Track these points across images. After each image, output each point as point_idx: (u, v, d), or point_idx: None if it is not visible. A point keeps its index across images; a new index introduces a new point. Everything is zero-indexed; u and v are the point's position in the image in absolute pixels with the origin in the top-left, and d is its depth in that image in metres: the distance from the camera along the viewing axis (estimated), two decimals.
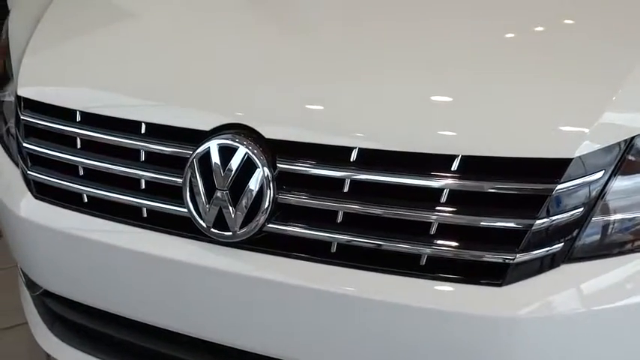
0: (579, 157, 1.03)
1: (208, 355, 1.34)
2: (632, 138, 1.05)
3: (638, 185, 1.06)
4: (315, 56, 1.23)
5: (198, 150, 1.18)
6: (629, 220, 1.07)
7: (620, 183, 1.05)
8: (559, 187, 1.03)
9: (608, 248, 1.07)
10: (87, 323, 1.49)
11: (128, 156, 1.29)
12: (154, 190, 1.27)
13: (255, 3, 1.42)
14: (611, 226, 1.07)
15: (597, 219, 1.06)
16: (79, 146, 1.34)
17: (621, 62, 1.11)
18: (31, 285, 1.57)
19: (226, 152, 1.17)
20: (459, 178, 1.07)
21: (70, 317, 1.52)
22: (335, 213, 1.14)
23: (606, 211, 1.06)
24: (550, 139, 1.05)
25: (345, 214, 1.13)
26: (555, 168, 1.04)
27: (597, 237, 1.06)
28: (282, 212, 1.17)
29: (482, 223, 1.06)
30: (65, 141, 1.36)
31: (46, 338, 1.59)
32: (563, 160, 1.04)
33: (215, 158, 1.17)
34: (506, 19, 1.22)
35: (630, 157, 1.05)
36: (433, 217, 1.08)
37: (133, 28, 1.42)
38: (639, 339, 1.07)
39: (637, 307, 1.06)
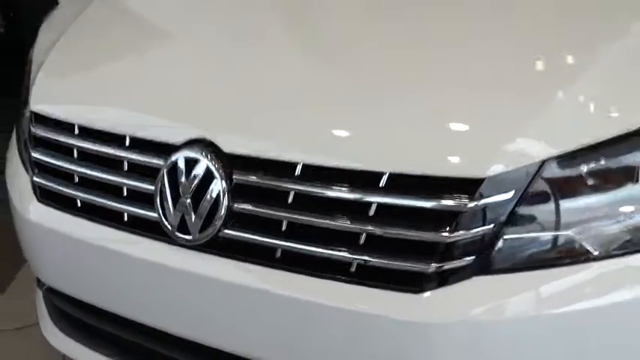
0: (491, 177, 1.13)
1: (187, 351, 1.48)
2: (543, 161, 1.14)
3: (547, 206, 1.15)
4: (268, 83, 1.37)
5: (169, 161, 1.34)
6: (539, 237, 1.15)
7: (529, 203, 1.14)
8: (471, 204, 1.13)
9: (517, 263, 1.15)
10: (83, 317, 1.65)
11: (114, 165, 1.45)
12: (134, 196, 1.42)
13: (225, 29, 1.58)
14: (521, 243, 1.15)
15: (508, 236, 1.15)
16: (75, 156, 1.51)
17: (538, 88, 1.21)
18: (39, 282, 1.75)
19: (191, 164, 1.31)
20: (385, 194, 1.18)
21: (69, 312, 1.68)
22: (280, 222, 1.26)
23: (516, 228, 1.15)
24: (464, 160, 1.15)
25: (288, 223, 1.26)
26: (468, 186, 1.14)
27: (507, 252, 1.15)
28: (237, 220, 1.30)
29: (403, 235, 1.17)
30: (65, 151, 1.53)
31: (52, 332, 1.76)
32: (475, 180, 1.13)
33: (181, 169, 1.32)
34: (428, 44, 1.34)
35: (540, 179, 1.14)
36: (362, 229, 1.19)
37: (126, 54, 1.60)
38: (542, 350, 1.14)
39: (543, 320, 1.14)
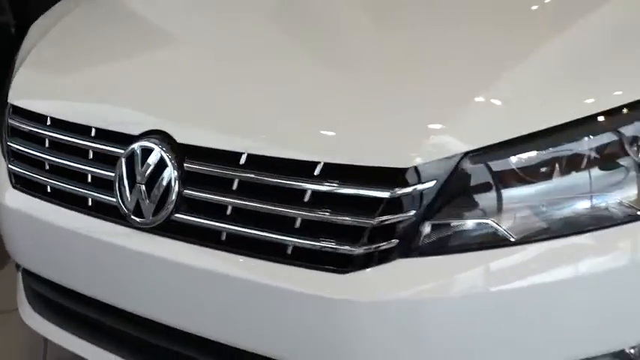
0: (414, 167, 1.22)
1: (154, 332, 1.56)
2: (464, 154, 1.22)
3: (467, 195, 1.23)
4: (218, 80, 1.48)
5: (127, 150, 1.44)
6: (460, 224, 1.23)
7: (451, 192, 1.23)
8: (394, 192, 1.22)
9: (438, 248, 1.23)
10: (58, 299, 1.75)
11: (81, 154, 1.55)
12: (97, 183, 1.52)
13: (184, 31, 1.69)
14: (442, 229, 1.23)
15: (430, 222, 1.23)
16: (46, 145, 1.61)
17: (461, 84, 1.29)
18: (17, 265, 1.85)
19: (146, 153, 1.41)
20: (319, 182, 1.27)
21: (45, 294, 1.78)
22: (226, 207, 1.36)
23: (438, 215, 1.23)
24: (390, 152, 1.24)
25: (233, 208, 1.35)
26: (393, 176, 1.22)
27: (429, 237, 1.23)
28: (188, 205, 1.39)
29: (332, 220, 1.25)
30: (37, 141, 1.64)
31: (30, 316, 1.85)
32: (399, 170, 1.22)
33: (137, 158, 1.42)
34: (361, 40, 1.43)
35: (461, 171, 1.22)
36: (297, 214, 1.28)
37: (96, 54, 1.71)
38: (460, 329, 1.23)
39: (462, 301, 1.22)
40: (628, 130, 1.27)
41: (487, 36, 1.42)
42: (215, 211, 1.37)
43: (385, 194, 1.22)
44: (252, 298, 1.32)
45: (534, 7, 1.52)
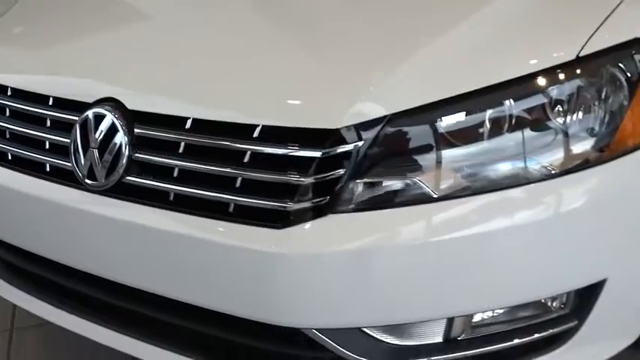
0: (342, 128, 1.31)
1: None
2: (390, 115, 1.32)
3: (393, 154, 1.32)
4: (165, 50, 1.58)
5: (81, 117, 1.52)
6: (386, 181, 1.33)
7: (378, 152, 1.32)
8: (325, 152, 1.31)
9: (366, 203, 1.32)
10: (24, 266, 1.83)
11: (39, 122, 1.63)
12: (55, 149, 1.60)
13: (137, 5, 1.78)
14: (370, 186, 1.33)
15: (359, 180, 1.32)
16: (7, 114, 1.70)
17: (389, 51, 1.40)
18: None
19: (99, 119, 1.50)
20: (258, 143, 1.36)
21: (12, 261, 1.87)
22: (173, 169, 1.44)
23: (366, 173, 1.32)
24: (320, 114, 1.34)
25: (179, 170, 1.44)
26: (324, 136, 1.32)
27: (358, 194, 1.32)
28: (138, 167, 1.48)
29: (269, 179, 1.35)
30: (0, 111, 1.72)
31: None
32: (330, 131, 1.31)
33: (90, 123, 1.50)
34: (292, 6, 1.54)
35: (387, 131, 1.32)
36: (237, 173, 1.37)
37: (53, 28, 1.81)
38: (384, 278, 1.32)
39: (389, 253, 1.31)
40: (548, 95, 1.37)
41: (417, 6, 1.52)
42: (163, 173, 1.46)
43: (317, 154, 1.32)
44: (198, 254, 1.41)
45: None
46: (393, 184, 1.33)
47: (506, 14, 1.45)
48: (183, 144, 1.43)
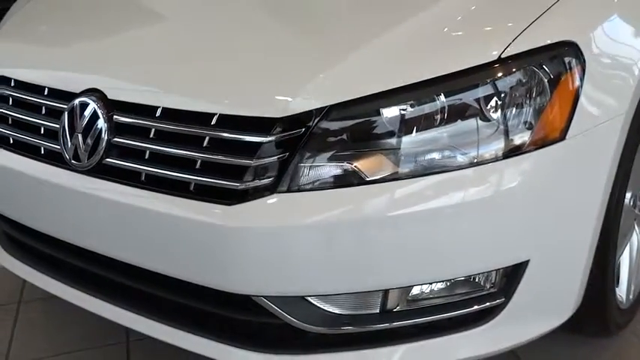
0: (285, 117, 1.48)
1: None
2: (330, 106, 1.48)
3: (327, 141, 1.48)
4: (141, 47, 1.78)
5: (69, 105, 1.72)
6: (325, 165, 1.49)
7: (317, 138, 1.48)
8: (269, 138, 1.48)
9: (308, 184, 1.49)
10: (22, 238, 2.04)
11: (36, 110, 1.84)
12: (49, 134, 1.80)
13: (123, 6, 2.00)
14: (311, 169, 1.49)
15: (301, 164, 1.49)
16: (10, 103, 1.91)
17: (330, 47, 1.58)
18: None
19: (84, 107, 1.69)
20: (215, 129, 1.54)
21: (14, 235, 2.07)
22: (144, 152, 1.63)
23: (307, 158, 1.49)
24: (266, 104, 1.51)
25: (150, 153, 1.62)
26: (270, 124, 1.49)
27: (301, 176, 1.49)
28: (116, 151, 1.67)
29: (222, 161, 1.52)
30: (3, 100, 1.93)
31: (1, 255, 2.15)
32: (274, 119, 1.49)
33: (76, 111, 1.70)
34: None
35: (327, 120, 1.48)
36: (197, 156, 1.55)
37: (50, 27, 2.04)
38: (319, 252, 1.48)
39: (323, 229, 1.48)
40: (475, 91, 1.51)
41: (362, 5, 1.69)
42: (137, 155, 1.64)
43: (263, 139, 1.49)
44: (164, 228, 1.59)
45: None
46: (332, 168, 1.49)
47: (445, 15, 1.61)
48: (153, 130, 1.62)
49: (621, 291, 1.98)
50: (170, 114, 1.60)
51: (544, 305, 1.64)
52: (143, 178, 1.63)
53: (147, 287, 1.73)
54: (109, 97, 1.68)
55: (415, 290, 1.59)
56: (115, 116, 1.67)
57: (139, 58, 1.76)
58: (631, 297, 2.02)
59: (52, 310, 2.32)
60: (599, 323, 1.86)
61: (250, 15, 1.83)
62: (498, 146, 1.51)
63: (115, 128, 1.67)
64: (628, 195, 1.92)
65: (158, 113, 1.62)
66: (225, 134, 1.53)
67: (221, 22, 1.83)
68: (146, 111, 1.63)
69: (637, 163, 1.88)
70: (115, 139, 1.66)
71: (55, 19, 2.10)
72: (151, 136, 1.62)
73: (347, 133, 1.50)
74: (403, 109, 1.50)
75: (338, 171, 1.49)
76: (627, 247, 2.00)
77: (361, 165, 1.49)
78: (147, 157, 1.63)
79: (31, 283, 2.04)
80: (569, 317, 1.70)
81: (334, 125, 1.49)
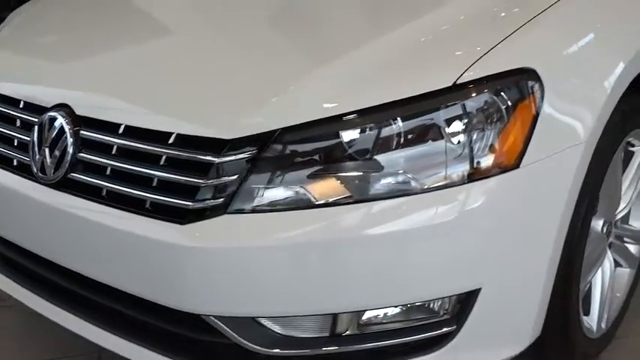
0: (235, 139, 1.49)
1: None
2: (278, 130, 1.49)
3: (279, 164, 1.49)
4: (108, 66, 1.82)
5: (40, 118, 1.75)
6: (275, 188, 1.49)
7: (267, 161, 1.49)
8: (221, 158, 1.50)
9: (255, 206, 1.49)
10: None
11: (12, 122, 1.88)
12: (22, 146, 1.84)
13: (96, 27, 2.05)
14: (258, 191, 1.50)
15: (249, 185, 1.49)
16: None
17: (281, 73, 1.59)
18: None
19: (52, 121, 1.72)
20: (172, 148, 1.56)
21: None
22: (106, 168, 1.65)
23: (255, 180, 1.49)
24: (221, 125, 1.53)
25: (111, 169, 1.65)
26: (222, 145, 1.50)
27: (248, 197, 1.49)
28: (81, 165, 1.70)
29: (175, 180, 1.54)
30: None
31: None
32: (226, 140, 1.50)
33: (45, 125, 1.73)
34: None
35: (276, 144, 1.49)
36: (154, 174, 1.57)
37: (28, 45, 2.07)
38: (269, 272, 1.49)
39: (274, 250, 1.48)
40: (430, 116, 1.50)
41: (323, 27, 1.70)
42: (99, 171, 1.67)
43: (215, 159, 1.50)
44: (120, 244, 1.61)
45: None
46: (284, 190, 1.50)
47: (405, 39, 1.62)
48: (115, 147, 1.64)
49: (591, 320, 1.95)
50: (132, 132, 1.62)
51: (498, 334, 1.63)
52: (104, 194, 1.66)
53: (109, 302, 1.75)
54: (77, 112, 1.71)
55: (367, 315, 1.59)
56: (81, 132, 1.70)
57: (108, 76, 1.79)
58: (603, 326, 2.00)
59: (26, 318, 2.33)
60: (562, 353, 1.83)
61: (218, 36, 1.86)
62: (452, 172, 1.50)
63: (81, 143, 1.70)
64: (599, 222, 1.91)
65: (121, 130, 1.64)
66: (180, 153, 1.55)
67: (190, 43, 1.87)
68: (110, 128, 1.66)
69: (608, 190, 1.86)
70: (80, 155, 1.69)
71: (39, 33, 2.14)
72: (113, 152, 1.65)
73: (300, 156, 1.50)
74: (357, 133, 1.50)
75: (290, 193, 1.50)
76: (599, 275, 1.98)
77: (313, 188, 1.50)
78: (108, 173, 1.65)
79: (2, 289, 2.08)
80: (531, 346, 1.69)
81: (287, 148, 1.50)
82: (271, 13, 1.93)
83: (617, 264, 2.11)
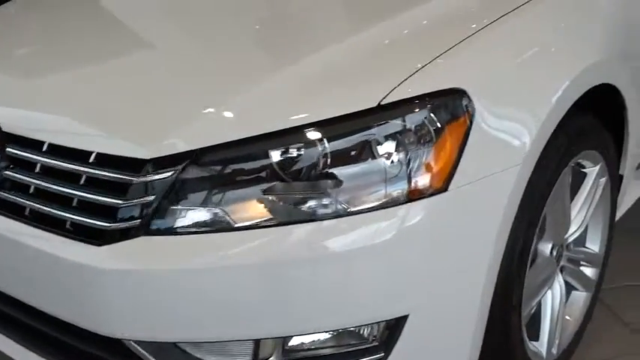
0: (153, 159, 1.45)
1: None
2: (197, 150, 1.44)
3: (199, 186, 1.44)
4: (36, 84, 1.78)
5: None
6: (193, 210, 1.45)
7: (184, 182, 1.44)
8: (139, 178, 1.45)
9: (174, 228, 1.45)
10: None
11: None
12: None
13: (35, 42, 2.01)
14: (179, 212, 1.45)
15: (167, 206, 1.45)
16: None
17: (199, 94, 1.55)
18: None
19: None
20: (92, 167, 1.51)
21: None
22: (29, 187, 1.61)
23: (175, 201, 1.45)
24: (138, 145, 1.49)
25: (34, 187, 1.60)
26: (139, 165, 1.46)
27: (167, 219, 1.45)
28: (8, 183, 1.65)
29: (95, 200, 1.49)
30: None
31: None
32: (143, 160, 1.45)
33: None
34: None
35: (194, 165, 1.44)
36: (73, 194, 1.53)
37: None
38: (186, 300, 1.44)
39: (187, 275, 1.43)
40: (355, 137, 1.45)
41: (246, 49, 1.66)
42: (24, 189, 1.63)
43: (134, 179, 1.46)
44: (41, 265, 1.57)
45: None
46: (202, 212, 1.45)
47: (334, 58, 1.57)
48: (39, 165, 1.60)
49: (540, 345, 1.89)
50: (55, 150, 1.58)
51: None
52: (27, 213, 1.62)
53: (34, 322, 1.70)
54: (4, 129, 1.67)
55: (294, 341, 1.53)
56: (7, 149, 1.66)
57: (36, 92, 1.75)
58: (554, 351, 1.93)
59: None
60: None
61: (152, 53, 1.82)
62: (377, 195, 1.44)
63: (8, 161, 1.66)
64: (547, 245, 1.85)
65: (44, 148, 1.60)
66: (100, 172, 1.50)
67: (124, 59, 1.82)
68: (35, 145, 1.61)
69: (555, 213, 1.81)
70: (6, 172, 1.65)
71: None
72: (37, 170, 1.60)
73: (220, 177, 1.45)
74: (278, 154, 1.44)
75: (209, 216, 1.45)
76: (549, 299, 1.92)
77: (234, 211, 1.45)
78: (32, 191, 1.61)
79: None
80: None
81: (207, 168, 1.45)
82: (208, 31, 1.88)
83: (572, 287, 2.05)
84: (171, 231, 1.46)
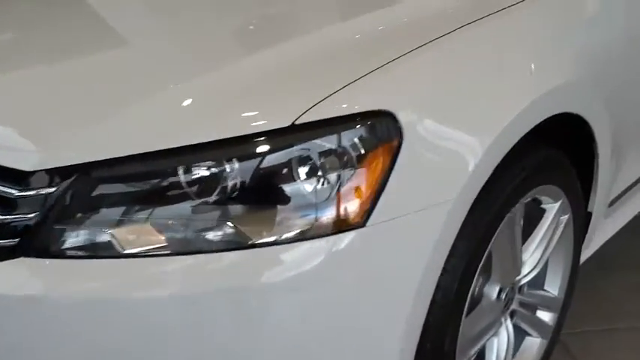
0: (35, 172, 1.29)
1: None
2: (88, 163, 1.28)
3: (89, 204, 1.28)
4: None
5: None
6: (81, 231, 1.29)
7: (72, 199, 1.28)
8: (19, 192, 1.29)
9: (59, 250, 1.28)
10: None
11: None
12: None
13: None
14: (64, 233, 1.29)
15: (51, 226, 1.29)
16: None
17: (96, 104, 1.39)
18: None
19: None
20: None
21: None
22: None
23: (60, 219, 1.29)
24: (22, 154, 1.33)
25: None
26: (21, 177, 1.30)
27: (51, 239, 1.29)
28: None
29: None
30: None
31: None
32: (24, 172, 1.30)
33: None
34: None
35: (81, 180, 1.28)
36: None
37: None
38: (52, 332, 1.28)
39: (74, 304, 1.27)
40: (265, 159, 1.28)
41: (161, 57, 1.51)
42: None
43: (14, 193, 1.30)
44: None
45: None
46: (87, 235, 1.29)
47: (250, 70, 1.42)
48: None
49: None
50: None
51: None
52: None
53: None
54: None
55: None
56: None
57: None
58: None
59: None
60: None
61: (66, 58, 1.65)
62: (281, 228, 1.28)
63: None
64: (495, 288, 1.67)
65: None
66: None
67: (34, 65, 1.65)
68: None
69: (502, 254, 1.63)
70: None
71: None
72: None
73: (109, 196, 1.30)
74: (174, 174, 1.28)
75: (93, 238, 1.29)
76: (494, 347, 1.74)
77: (122, 234, 1.29)
78: None
79: None
80: None
81: (94, 185, 1.29)
82: (126, 35, 1.75)
83: (525, 333, 1.88)
84: (53, 253, 1.30)
